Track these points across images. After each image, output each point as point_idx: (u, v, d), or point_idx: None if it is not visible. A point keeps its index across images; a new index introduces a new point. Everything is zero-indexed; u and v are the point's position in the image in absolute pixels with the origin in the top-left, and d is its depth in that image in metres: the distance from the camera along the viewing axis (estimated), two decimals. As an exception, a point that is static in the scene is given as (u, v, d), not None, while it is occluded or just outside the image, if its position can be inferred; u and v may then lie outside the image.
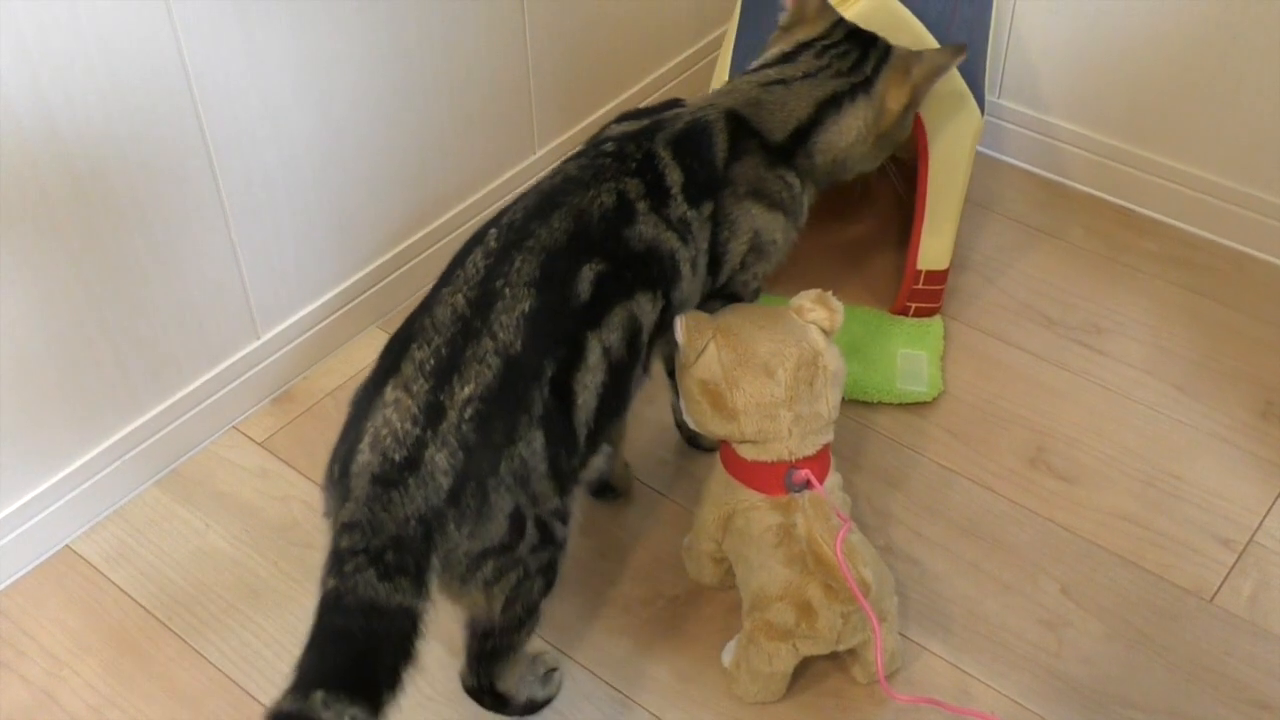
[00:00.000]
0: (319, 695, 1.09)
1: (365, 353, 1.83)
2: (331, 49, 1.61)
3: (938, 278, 1.81)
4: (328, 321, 1.81)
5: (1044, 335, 1.88)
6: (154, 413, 1.64)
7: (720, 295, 1.48)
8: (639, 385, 1.39)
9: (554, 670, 1.46)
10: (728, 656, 1.46)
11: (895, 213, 2.02)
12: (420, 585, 1.16)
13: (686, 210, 1.37)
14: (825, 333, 1.44)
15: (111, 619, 1.52)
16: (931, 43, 1.57)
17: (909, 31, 1.57)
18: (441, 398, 1.19)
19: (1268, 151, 1.92)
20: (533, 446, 1.22)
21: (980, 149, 2.16)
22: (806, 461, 1.43)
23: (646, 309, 1.33)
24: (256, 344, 1.73)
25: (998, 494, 1.66)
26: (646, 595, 1.55)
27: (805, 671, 1.46)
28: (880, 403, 1.77)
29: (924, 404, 1.77)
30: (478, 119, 1.87)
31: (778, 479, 1.43)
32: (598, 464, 1.35)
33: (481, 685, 1.38)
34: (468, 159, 1.88)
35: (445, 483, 1.17)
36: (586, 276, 1.27)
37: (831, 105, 1.46)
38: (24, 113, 1.32)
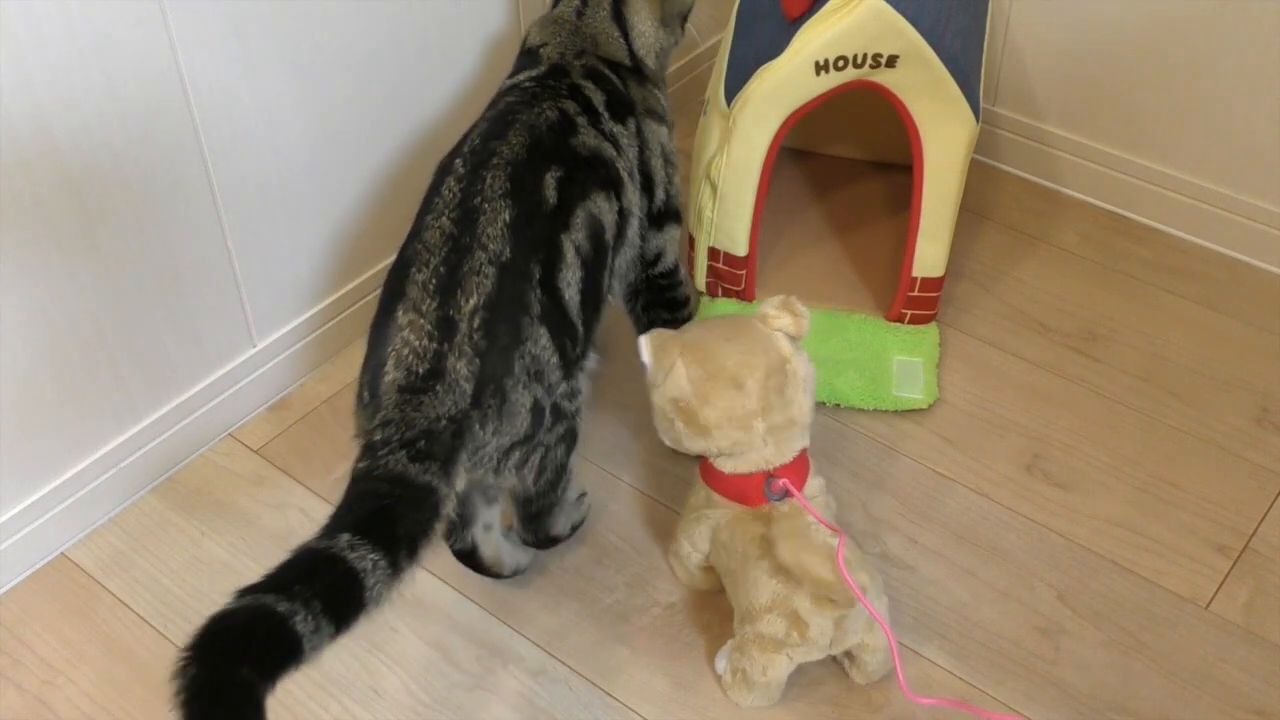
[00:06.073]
0: (345, 537, 1.17)
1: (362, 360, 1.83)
2: (327, 57, 1.61)
3: (933, 285, 1.81)
4: (324, 329, 1.81)
5: (1039, 342, 1.88)
6: (150, 420, 1.64)
7: (665, 215, 1.61)
8: (609, 291, 1.50)
9: (584, 495, 1.61)
10: (722, 663, 1.46)
11: (890, 220, 2.02)
12: (447, 474, 1.25)
13: (614, 126, 1.51)
14: (792, 338, 1.44)
15: (107, 627, 1.52)
16: (926, 50, 1.58)
17: (903, 39, 1.57)
18: (450, 312, 1.29)
19: (1262, 159, 1.92)
20: (540, 343, 1.33)
21: (976, 156, 2.16)
22: (784, 469, 1.44)
23: (604, 207, 1.44)
24: (253, 351, 1.73)
25: (994, 501, 1.66)
26: (643, 603, 1.55)
27: (801, 679, 1.46)
28: (876, 410, 1.77)
29: (920, 411, 1.77)
30: (474, 127, 1.87)
31: (757, 489, 1.43)
32: (590, 367, 1.46)
33: (539, 539, 1.53)
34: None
35: (468, 388, 1.27)
36: (549, 183, 1.38)
37: (617, 18, 1.60)
38: (20, 121, 1.32)
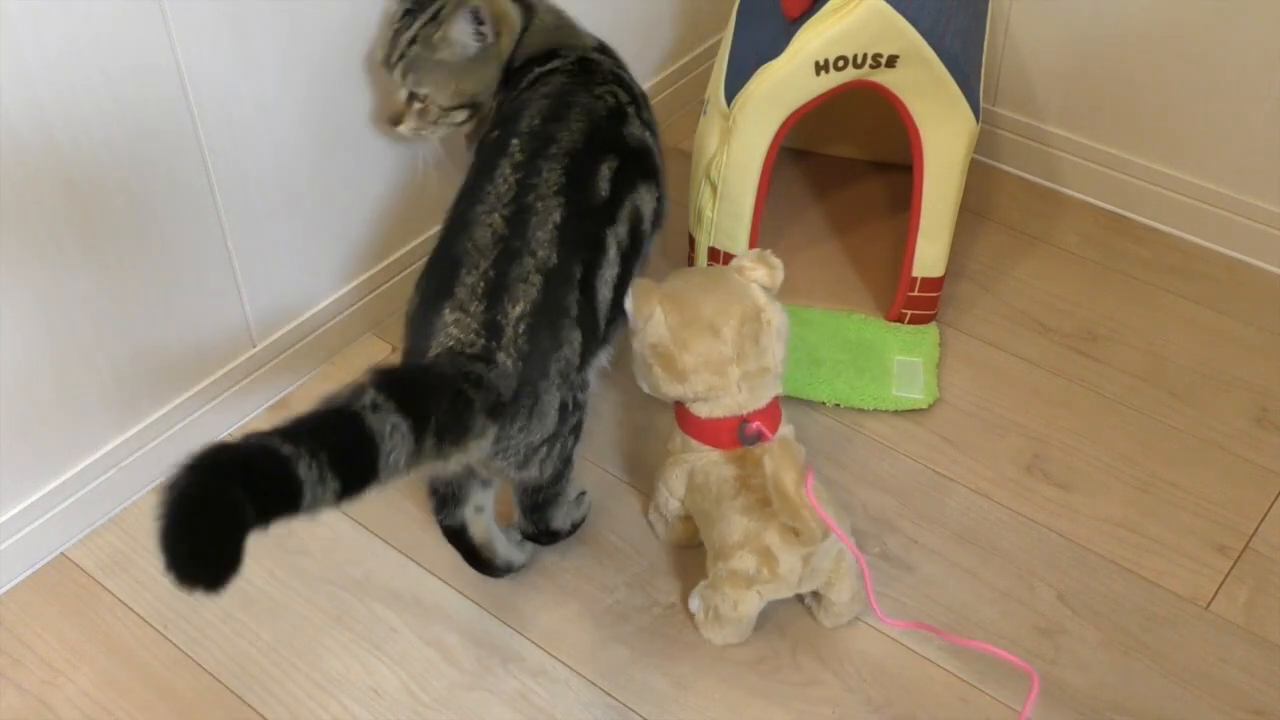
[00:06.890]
0: (370, 395, 1.13)
1: (362, 360, 1.83)
2: (327, 56, 1.61)
3: (933, 285, 1.81)
4: (324, 329, 1.81)
5: (1040, 342, 1.88)
6: (150, 420, 1.63)
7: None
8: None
9: (584, 493, 1.61)
10: (695, 602, 1.50)
11: (890, 220, 2.02)
12: (490, 418, 1.26)
13: (649, 114, 1.54)
14: (767, 289, 1.49)
15: (107, 627, 1.52)
16: (926, 50, 1.58)
17: (903, 39, 1.57)
18: (497, 317, 1.30)
19: (1262, 158, 1.92)
20: (574, 345, 1.35)
21: (976, 156, 2.16)
22: (757, 414, 1.48)
23: (646, 198, 1.46)
24: (253, 351, 1.73)
25: (994, 501, 1.66)
26: (643, 603, 1.55)
27: (801, 679, 1.46)
28: (876, 409, 1.77)
29: (920, 411, 1.77)
30: (474, 127, 1.87)
31: (731, 433, 1.48)
32: (602, 364, 1.48)
33: (539, 530, 1.53)
34: (464, 166, 1.88)
35: (512, 384, 1.29)
36: (604, 174, 1.40)
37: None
38: (20, 122, 1.32)
